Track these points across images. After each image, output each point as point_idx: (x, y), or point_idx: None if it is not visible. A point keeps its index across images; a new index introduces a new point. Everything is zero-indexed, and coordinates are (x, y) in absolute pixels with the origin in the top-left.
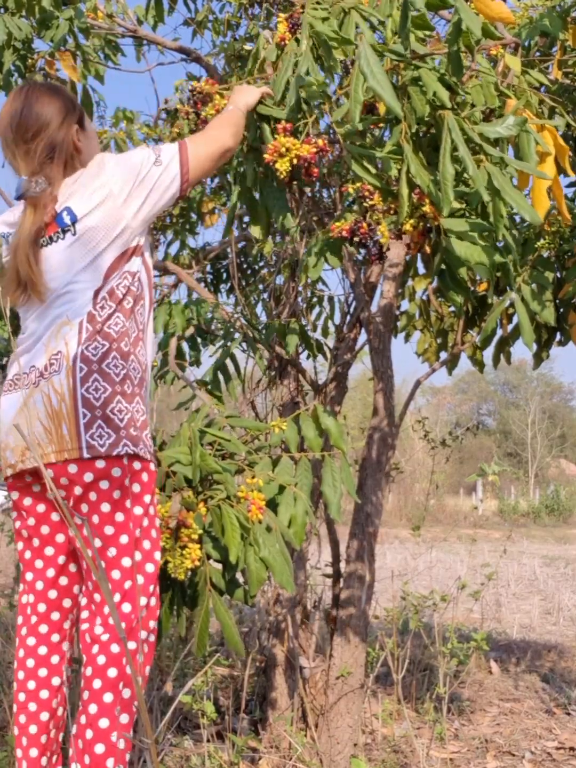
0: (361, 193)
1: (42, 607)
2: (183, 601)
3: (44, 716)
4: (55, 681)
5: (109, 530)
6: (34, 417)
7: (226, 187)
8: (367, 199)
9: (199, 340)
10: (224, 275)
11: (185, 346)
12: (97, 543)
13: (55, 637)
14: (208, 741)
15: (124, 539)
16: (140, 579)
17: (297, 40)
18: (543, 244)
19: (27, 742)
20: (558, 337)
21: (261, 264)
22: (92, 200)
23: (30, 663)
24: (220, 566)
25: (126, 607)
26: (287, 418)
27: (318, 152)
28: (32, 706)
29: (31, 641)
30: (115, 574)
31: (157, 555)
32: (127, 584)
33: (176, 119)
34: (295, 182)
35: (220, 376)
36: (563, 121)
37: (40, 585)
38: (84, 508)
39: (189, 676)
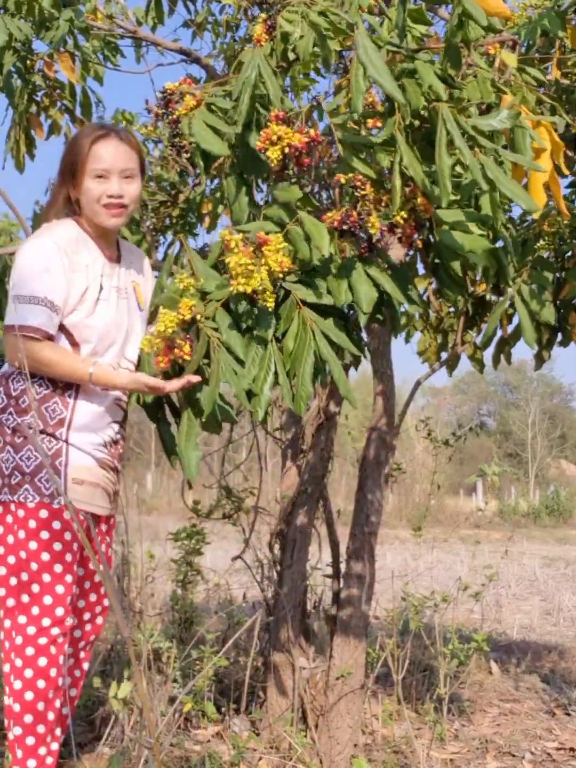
0: (353, 183)
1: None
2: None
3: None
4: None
5: (1, 570)
6: None
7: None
8: (359, 189)
9: None
10: None
11: None
12: None
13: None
14: (208, 741)
15: (13, 581)
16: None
17: (275, 38)
18: (542, 245)
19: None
20: (559, 337)
21: None
22: None
23: None
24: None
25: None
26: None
27: (309, 142)
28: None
29: None
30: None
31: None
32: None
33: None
34: (286, 171)
35: None
36: (563, 121)
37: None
38: None
39: (189, 677)
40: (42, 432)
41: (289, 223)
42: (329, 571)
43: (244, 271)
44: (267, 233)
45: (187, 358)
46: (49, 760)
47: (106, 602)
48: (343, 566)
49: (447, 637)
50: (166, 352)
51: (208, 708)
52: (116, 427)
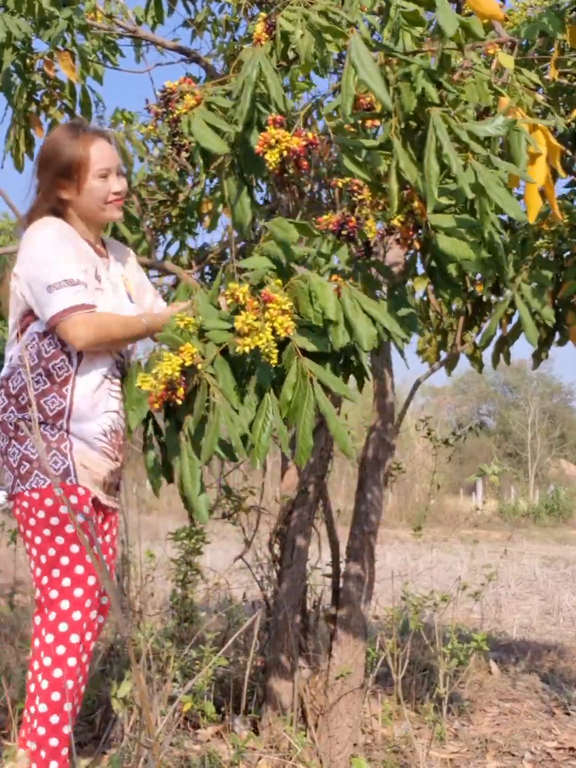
0: (350, 188)
1: None
2: (271, 384)
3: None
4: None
5: (32, 564)
6: None
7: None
8: (356, 194)
9: None
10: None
11: None
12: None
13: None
14: (208, 741)
15: (39, 572)
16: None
17: (276, 37)
18: (542, 244)
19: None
20: (556, 336)
21: None
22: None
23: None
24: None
25: (62, 627)
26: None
27: (307, 145)
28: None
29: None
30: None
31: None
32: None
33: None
34: (285, 175)
35: None
36: (562, 121)
37: None
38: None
39: (189, 677)
40: (43, 423)
41: (295, 278)
42: (329, 571)
43: (250, 329)
44: (267, 272)
45: (179, 402)
46: (64, 751)
47: (105, 600)
48: (343, 566)
49: (446, 636)
50: (163, 394)
51: (208, 708)
52: (114, 415)
